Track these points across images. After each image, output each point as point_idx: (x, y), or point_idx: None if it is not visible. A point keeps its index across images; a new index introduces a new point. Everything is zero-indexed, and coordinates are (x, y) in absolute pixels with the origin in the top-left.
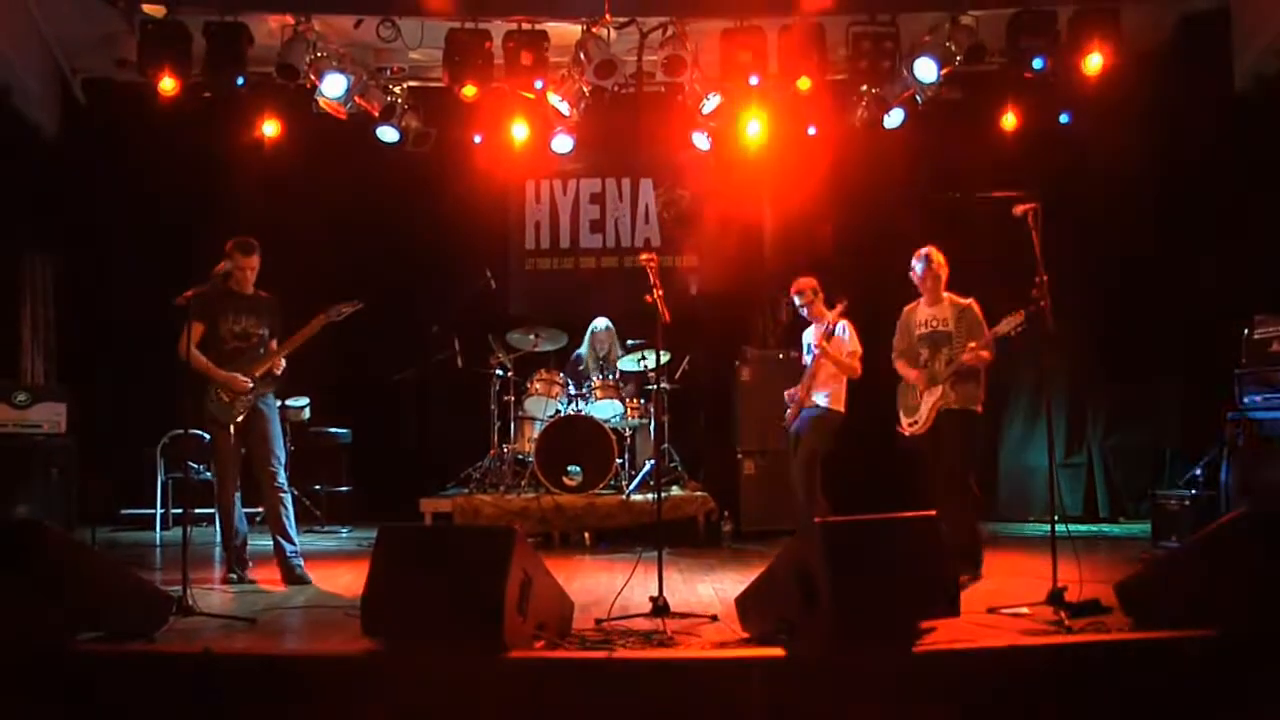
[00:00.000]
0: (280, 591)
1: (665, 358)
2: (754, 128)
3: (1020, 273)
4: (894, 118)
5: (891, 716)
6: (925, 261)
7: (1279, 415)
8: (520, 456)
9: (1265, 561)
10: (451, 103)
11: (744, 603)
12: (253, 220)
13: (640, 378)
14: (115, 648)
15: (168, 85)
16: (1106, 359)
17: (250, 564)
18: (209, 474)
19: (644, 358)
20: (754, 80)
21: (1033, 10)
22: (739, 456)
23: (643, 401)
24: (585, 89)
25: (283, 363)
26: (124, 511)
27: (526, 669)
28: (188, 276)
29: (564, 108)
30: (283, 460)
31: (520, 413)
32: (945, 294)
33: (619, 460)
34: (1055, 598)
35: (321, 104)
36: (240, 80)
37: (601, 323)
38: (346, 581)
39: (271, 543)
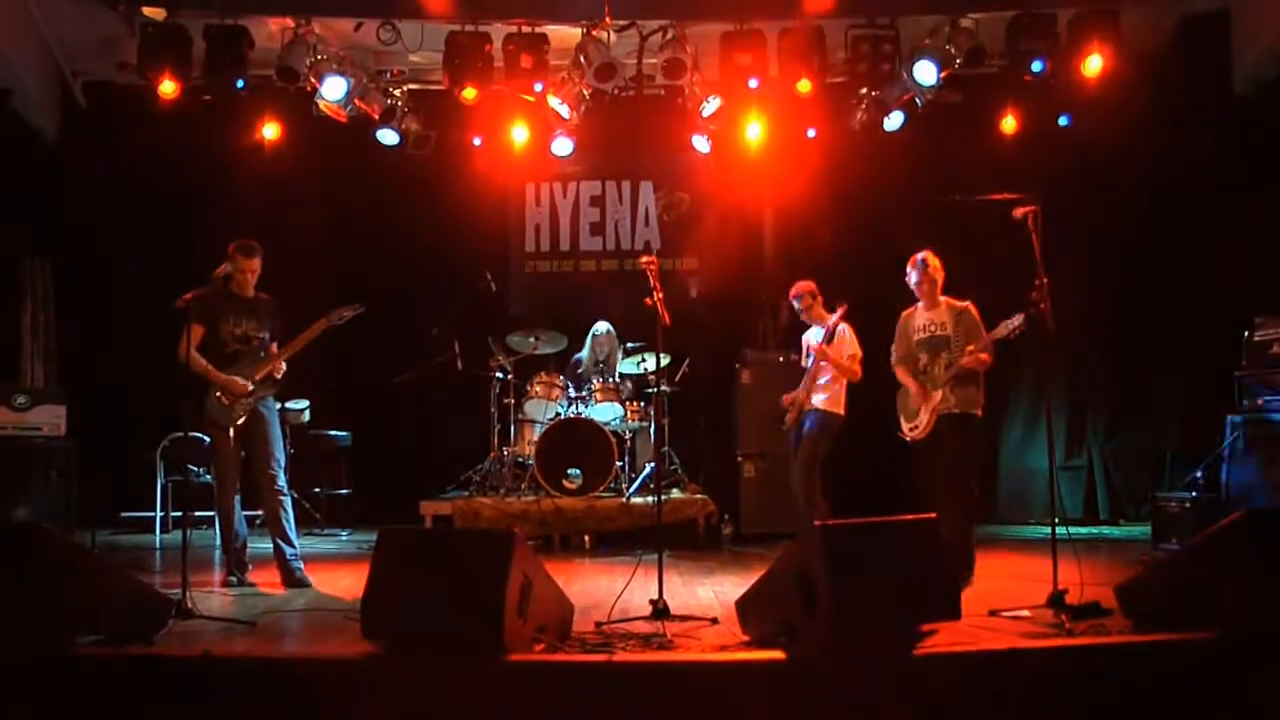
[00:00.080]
0: (280, 594)
1: (665, 360)
2: (754, 130)
3: (1020, 275)
4: (894, 120)
5: None
6: (921, 266)
7: (1279, 417)
8: (520, 459)
9: (1266, 563)
10: (451, 105)
11: (744, 606)
12: (253, 223)
13: (640, 380)
14: (114, 651)
15: (168, 88)
16: (1106, 361)
17: (250, 567)
18: (209, 477)
19: (644, 360)
20: (754, 83)
21: (1032, 13)
22: (739, 459)
23: (643, 404)
24: (585, 92)
25: (283, 366)
26: (123, 514)
27: (526, 672)
28: (188, 279)
29: (564, 110)
30: (283, 463)
31: (520, 415)
32: (942, 298)
33: (619, 463)
34: (1056, 600)
35: (322, 107)
36: (240, 83)
37: (602, 326)
38: (346, 584)
39: (271, 545)
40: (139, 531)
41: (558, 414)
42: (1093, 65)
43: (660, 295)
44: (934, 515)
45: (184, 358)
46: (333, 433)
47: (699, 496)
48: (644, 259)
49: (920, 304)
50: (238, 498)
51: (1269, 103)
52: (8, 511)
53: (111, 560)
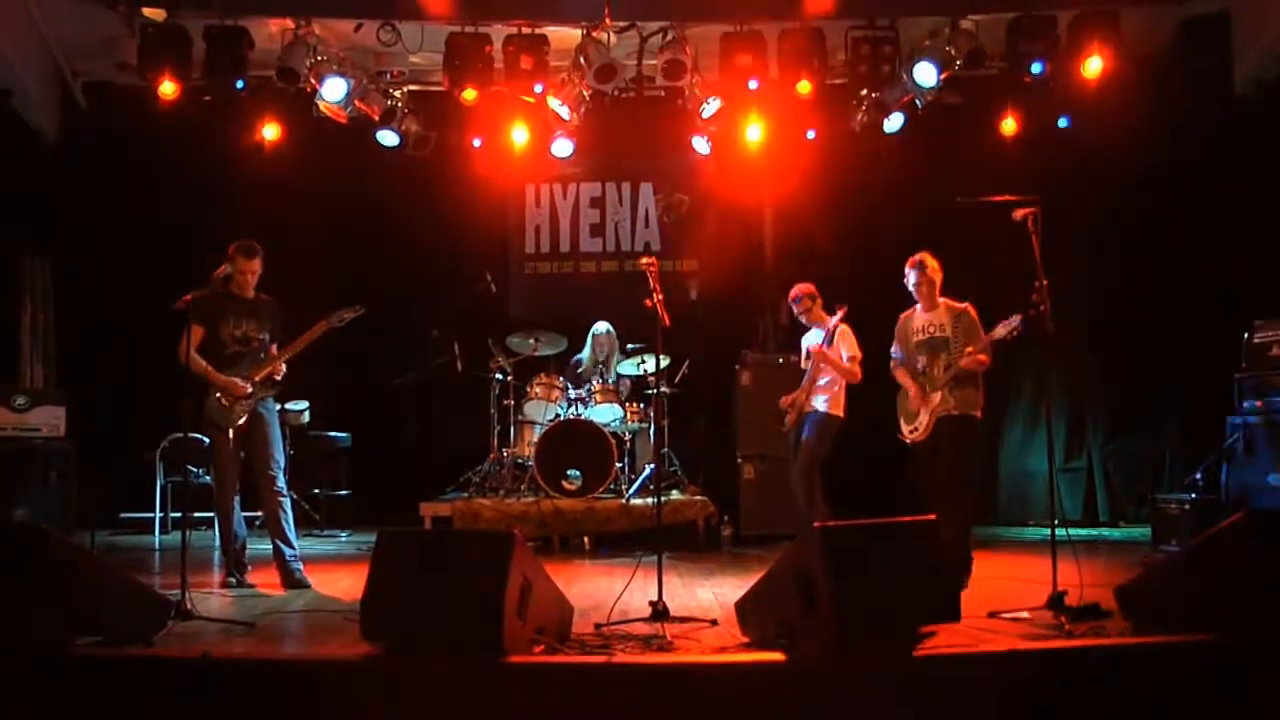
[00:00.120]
0: (279, 596)
1: (665, 362)
2: (754, 132)
3: (1020, 277)
4: (893, 122)
5: None
6: (919, 268)
7: (1279, 419)
8: (520, 460)
9: (1266, 565)
10: (451, 106)
11: (744, 607)
12: (253, 224)
13: (640, 382)
14: (113, 652)
15: (168, 89)
16: (1106, 363)
17: (249, 568)
18: (208, 478)
19: (644, 362)
20: (754, 84)
21: (1032, 14)
22: (739, 460)
23: (642, 406)
24: (585, 93)
25: (283, 367)
26: (123, 515)
27: (526, 673)
28: (188, 280)
29: (564, 112)
30: (282, 464)
31: (520, 417)
32: (941, 299)
33: (619, 464)
34: (1055, 602)
35: (322, 108)
36: (240, 84)
37: (602, 327)
38: (346, 585)
39: (271, 547)
40: (138, 532)
41: (557, 415)
42: (1093, 67)
43: (660, 297)
44: (933, 517)
45: (184, 359)
46: (332, 434)
47: (698, 498)
48: (644, 260)
49: (919, 305)
50: (237, 499)
51: (1269, 104)
52: (7, 512)
53: (111, 561)
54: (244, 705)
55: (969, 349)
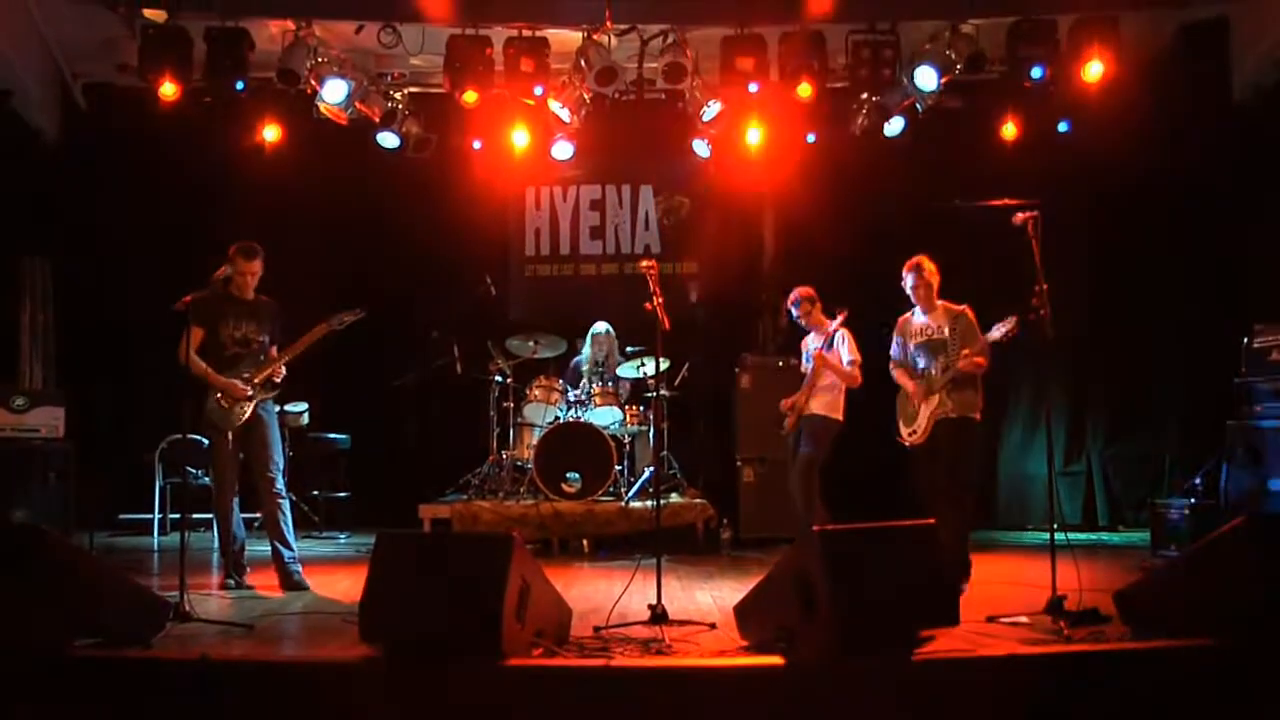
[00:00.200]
0: (278, 597)
1: (665, 364)
2: (754, 135)
3: (1020, 281)
4: (894, 126)
5: None
6: (917, 271)
7: (1278, 424)
8: (519, 463)
9: (1265, 570)
10: (452, 108)
11: (743, 611)
12: (253, 225)
13: (640, 384)
14: (112, 653)
15: (168, 90)
16: (1106, 366)
17: (248, 570)
18: (207, 479)
19: (643, 364)
20: (754, 88)
21: (1033, 19)
22: (738, 464)
23: (642, 408)
24: (586, 95)
25: (283, 369)
26: (122, 516)
27: (524, 676)
28: (187, 281)
29: (564, 114)
30: (281, 466)
31: (519, 419)
32: (939, 302)
33: (618, 467)
34: (1054, 606)
35: (322, 109)
36: (241, 85)
37: (602, 326)
38: (345, 587)
39: (269, 548)
40: (137, 534)
41: (557, 418)
42: (1093, 71)
43: (660, 299)
44: (933, 521)
45: (183, 360)
46: (332, 436)
47: (698, 501)
48: (644, 263)
49: (917, 308)
50: (236, 500)
51: (1268, 109)
52: (6, 513)
53: (110, 562)
54: (243, 707)
55: (965, 351)
